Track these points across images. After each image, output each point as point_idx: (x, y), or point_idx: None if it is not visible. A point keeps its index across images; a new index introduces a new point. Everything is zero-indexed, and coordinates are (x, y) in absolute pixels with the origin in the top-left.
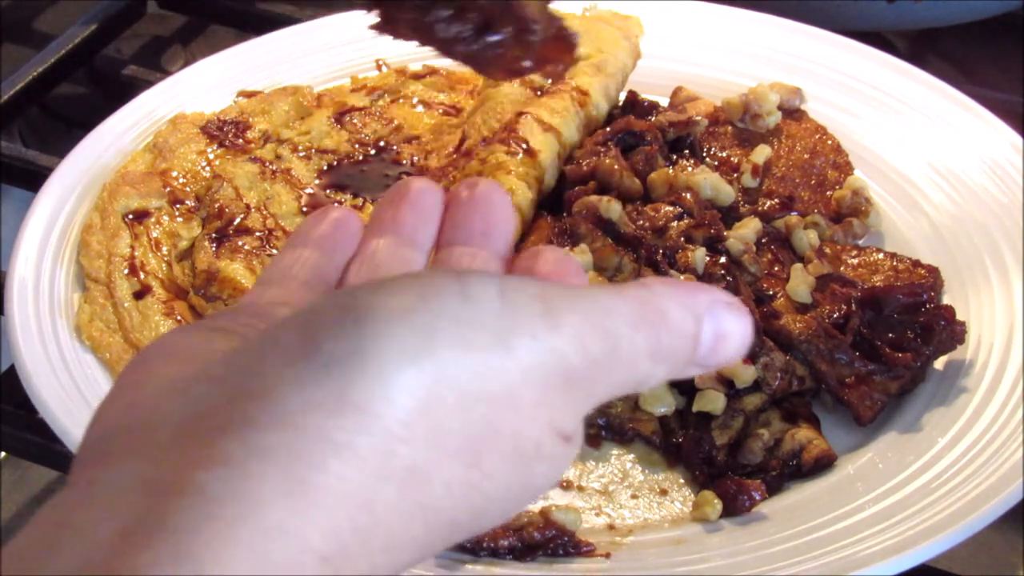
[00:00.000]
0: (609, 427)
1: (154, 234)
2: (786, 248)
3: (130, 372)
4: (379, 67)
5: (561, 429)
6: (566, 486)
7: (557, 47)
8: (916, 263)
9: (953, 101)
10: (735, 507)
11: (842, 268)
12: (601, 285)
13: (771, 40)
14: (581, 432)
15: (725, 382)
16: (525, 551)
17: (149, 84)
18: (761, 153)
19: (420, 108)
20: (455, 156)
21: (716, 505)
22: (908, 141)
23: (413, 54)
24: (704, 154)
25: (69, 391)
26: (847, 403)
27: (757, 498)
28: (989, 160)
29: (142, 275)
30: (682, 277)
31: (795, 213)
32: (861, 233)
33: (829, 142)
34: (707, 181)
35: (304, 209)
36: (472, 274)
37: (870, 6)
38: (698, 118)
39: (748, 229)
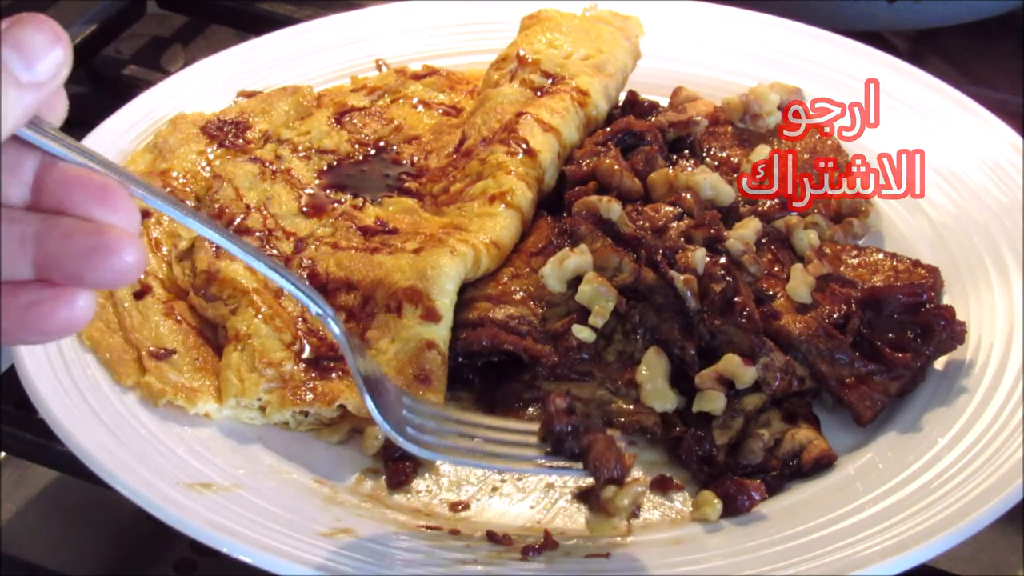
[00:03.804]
0: (608, 423)
1: (154, 234)
2: (786, 248)
3: None
4: (379, 67)
5: None
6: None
7: None
8: (916, 263)
9: (953, 101)
10: (735, 507)
11: (842, 268)
12: None
13: (771, 40)
14: None
15: (725, 382)
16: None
17: (149, 84)
18: (761, 153)
19: (420, 108)
20: (455, 156)
21: (716, 505)
22: (908, 141)
23: (413, 54)
24: (704, 154)
25: (69, 391)
26: (847, 403)
27: (757, 498)
28: (989, 160)
29: (142, 275)
30: (682, 277)
31: (795, 213)
32: (861, 233)
33: (829, 142)
34: (707, 181)
35: (304, 209)
36: None
37: (870, 6)
38: (698, 118)
39: (748, 229)
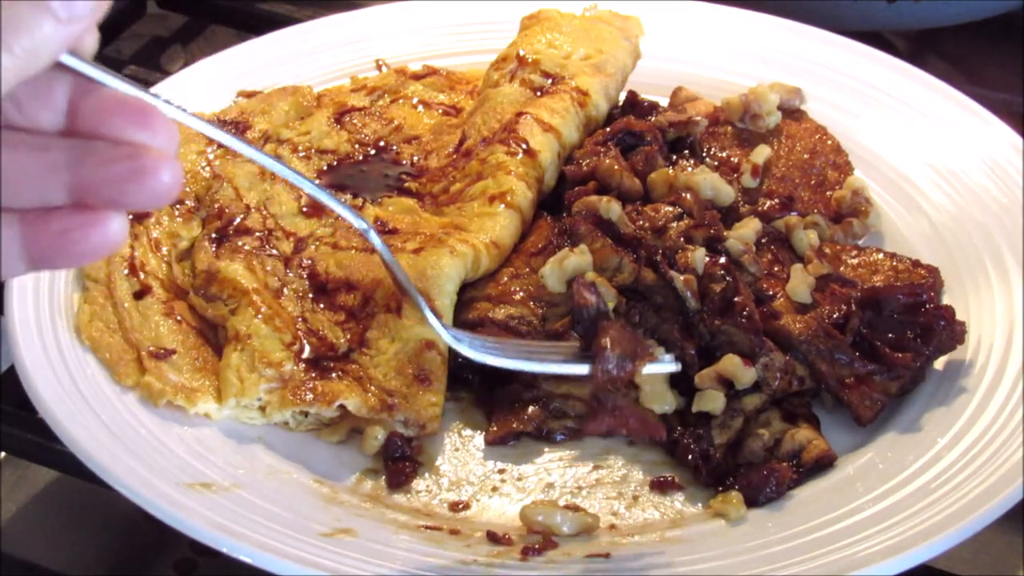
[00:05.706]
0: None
1: (154, 234)
2: (786, 248)
3: None
4: (379, 67)
5: None
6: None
7: None
8: (916, 263)
9: (953, 101)
10: (763, 496)
11: (842, 268)
12: None
13: (771, 40)
14: None
15: (725, 382)
16: None
17: (149, 84)
18: (761, 153)
19: (420, 108)
20: (455, 156)
21: (738, 503)
22: (908, 141)
23: (413, 54)
24: (704, 154)
25: (69, 391)
26: (847, 403)
27: (784, 484)
28: (989, 160)
29: (142, 275)
30: (682, 277)
31: (795, 213)
32: (861, 233)
33: (829, 142)
34: (707, 181)
35: (304, 209)
36: None
37: (870, 6)
38: (698, 118)
39: (748, 229)
